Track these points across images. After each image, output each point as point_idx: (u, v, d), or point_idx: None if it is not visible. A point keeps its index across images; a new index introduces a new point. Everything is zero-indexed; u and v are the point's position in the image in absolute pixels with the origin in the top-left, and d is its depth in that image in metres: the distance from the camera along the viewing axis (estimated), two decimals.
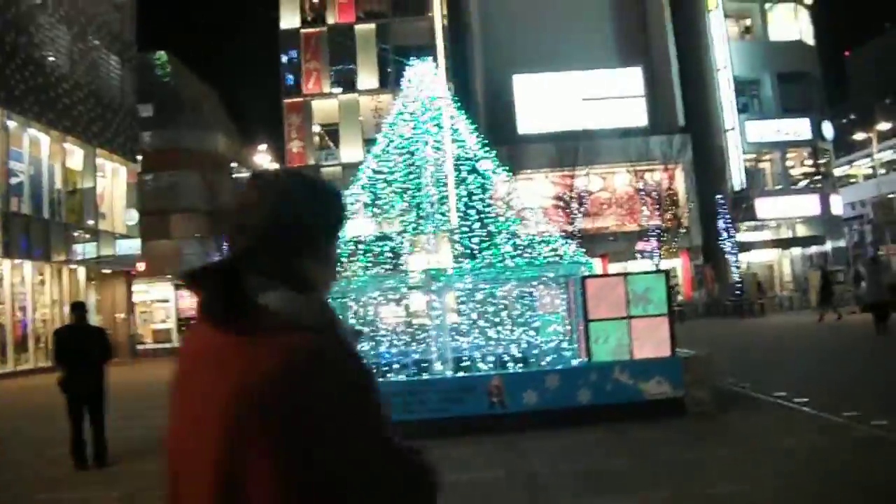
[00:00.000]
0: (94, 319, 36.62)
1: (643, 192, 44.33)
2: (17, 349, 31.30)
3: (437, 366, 13.20)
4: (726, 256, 43.77)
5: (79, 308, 12.26)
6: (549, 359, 13.11)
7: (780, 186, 47.70)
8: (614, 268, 45.58)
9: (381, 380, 12.60)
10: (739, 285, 42.71)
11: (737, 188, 45.77)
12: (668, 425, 11.63)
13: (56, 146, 34.17)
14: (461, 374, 12.61)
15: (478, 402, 12.09)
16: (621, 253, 44.28)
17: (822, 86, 50.92)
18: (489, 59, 47.07)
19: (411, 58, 17.20)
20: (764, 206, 45.98)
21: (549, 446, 11.16)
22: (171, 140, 49.94)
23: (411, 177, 16.16)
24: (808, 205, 47.41)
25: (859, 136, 46.35)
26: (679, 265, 46.16)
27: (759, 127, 46.90)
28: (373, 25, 46.25)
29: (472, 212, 16.27)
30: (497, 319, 13.93)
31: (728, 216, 43.44)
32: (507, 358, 13.07)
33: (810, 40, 50.02)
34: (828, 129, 49.53)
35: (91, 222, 36.74)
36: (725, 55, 46.36)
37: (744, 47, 47.92)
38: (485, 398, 12.08)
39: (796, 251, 47.91)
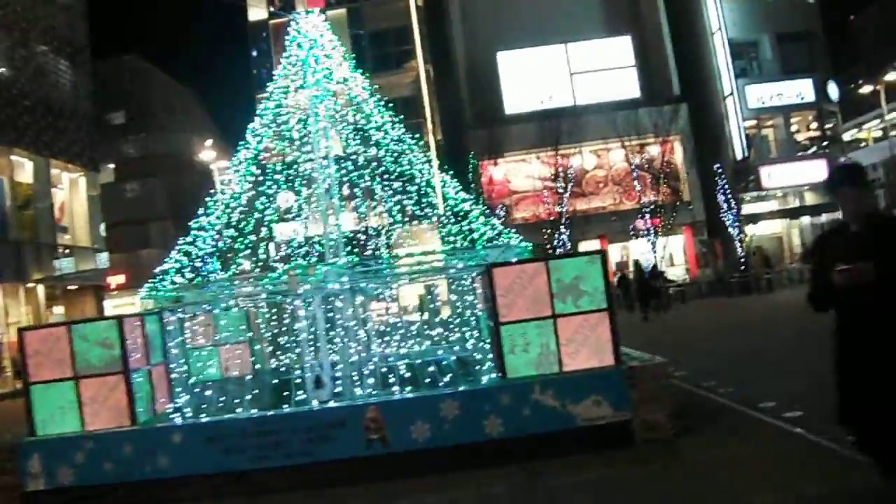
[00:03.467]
0: None
1: (639, 168, 40.57)
2: None
3: (316, 393, 9.75)
4: (729, 230, 39.86)
5: None
6: (450, 377, 9.57)
7: (785, 154, 43.73)
8: (614, 249, 42.10)
9: (226, 416, 9.27)
10: (743, 260, 38.81)
11: (738, 157, 41.86)
12: (607, 461, 8.18)
13: (1, 160, 31.08)
14: (333, 404, 9.15)
15: (352, 441, 8.71)
16: (621, 233, 40.62)
17: (825, 45, 46.76)
18: (470, 37, 43.29)
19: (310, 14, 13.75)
20: (769, 175, 42.04)
21: (437, 501, 7.79)
22: (148, 146, 46.91)
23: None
24: (816, 171, 43.22)
25: (867, 89, 42.27)
26: (682, 242, 42.42)
27: (760, 91, 42.92)
28: (344, 10, 42.58)
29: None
30: (387, 328, 10.47)
31: (728, 187, 39.52)
32: (394, 377, 9.54)
33: None
34: (833, 90, 45.44)
35: (51, 238, 33.65)
36: (719, 16, 42.34)
37: (739, 7, 43.53)
38: (361, 435, 8.67)
39: (805, 221, 43.93)
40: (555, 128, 38.90)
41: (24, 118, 31.99)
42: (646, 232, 39.03)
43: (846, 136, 57.57)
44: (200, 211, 12.02)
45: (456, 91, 42.29)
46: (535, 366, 8.96)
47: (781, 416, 9.02)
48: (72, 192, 35.83)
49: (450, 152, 40.13)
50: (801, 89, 43.64)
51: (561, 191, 39.74)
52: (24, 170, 32.54)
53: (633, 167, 40.66)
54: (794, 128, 45.26)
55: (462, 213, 11.87)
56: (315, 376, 9.86)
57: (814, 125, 45.80)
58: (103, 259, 37.67)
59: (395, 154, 13.09)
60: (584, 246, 40.79)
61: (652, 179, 40.45)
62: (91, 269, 36.19)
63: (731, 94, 42.29)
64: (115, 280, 41.10)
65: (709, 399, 10.79)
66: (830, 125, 46.23)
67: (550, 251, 38.23)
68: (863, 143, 69.64)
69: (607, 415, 8.58)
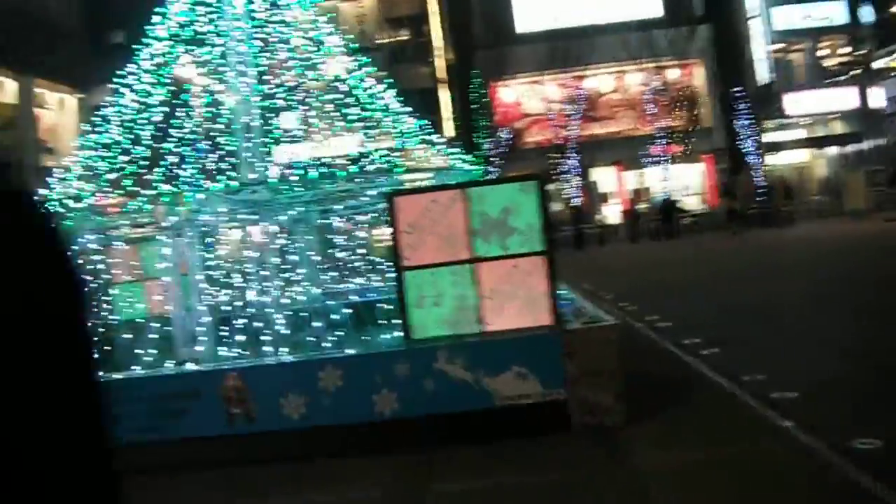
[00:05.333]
0: None
1: (659, 91, 37.62)
2: None
3: (183, 351, 7.64)
4: (748, 159, 36.94)
5: None
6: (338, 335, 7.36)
7: (812, 80, 40.46)
8: (629, 176, 39.45)
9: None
10: (763, 191, 35.96)
11: (762, 83, 38.73)
12: (525, 459, 6.01)
13: None
14: (190, 367, 7.01)
15: (209, 416, 6.62)
16: (637, 160, 37.83)
17: None
18: None
19: None
20: (794, 102, 38.93)
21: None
22: None
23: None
24: (844, 99, 40.18)
25: None
26: (701, 170, 39.60)
27: (787, 13, 39.49)
28: None
29: None
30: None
31: (749, 114, 36.46)
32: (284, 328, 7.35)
33: None
34: (866, 13, 41.87)
35: (36, 160, 31.61)
36: None
37: None
38: (220, 408, 6.57)
39: (832, 151, 40.86)
40: (568, 48, 35.93)
41: (5, 36, 29.69)
42: (660, 159, 36.31)
43: (879, 64, 53.89)
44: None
45: (465, 8, 39.27)
46: (449, 324, 6.75)
47: (768, 398, 6.75)
48: (60, 113, 33.68)
49: (458, 73, 37.50)
50: (830, 11, 40.28)
51: (570, 114, 36.96)
52: (6, 89, 30.38)
53: (648, 90, 37.75)
54: (822, 52, 41.89)
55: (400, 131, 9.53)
56: (183, 333, 7.74)
57: (844, 50, 42.39)
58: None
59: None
60: (596, 172, 38.45)
61: (669, 104, 37.48)
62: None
63: (757, 15, 39.02)
64: (106, 202, 39.20)
65: (685, 364, 8.51)
66: (863, 51, 42.75)
67: (555, 178, 35.88)
68: (894, 73, 65.56)
69: (535, 392, 6.38)
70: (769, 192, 35.66)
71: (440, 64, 38.14)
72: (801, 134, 40.69)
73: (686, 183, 38.97)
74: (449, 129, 36.55)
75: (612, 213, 38.68)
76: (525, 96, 39.91)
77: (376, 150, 10.41)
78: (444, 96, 37.39)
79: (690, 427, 6.37)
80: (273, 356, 6.90)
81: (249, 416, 6.56)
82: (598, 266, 23.07)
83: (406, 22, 39.76)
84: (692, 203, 38.50)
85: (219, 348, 7.10)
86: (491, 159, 35.78)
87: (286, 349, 7.03)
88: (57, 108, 33.42)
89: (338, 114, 11.82)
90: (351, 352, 6.72)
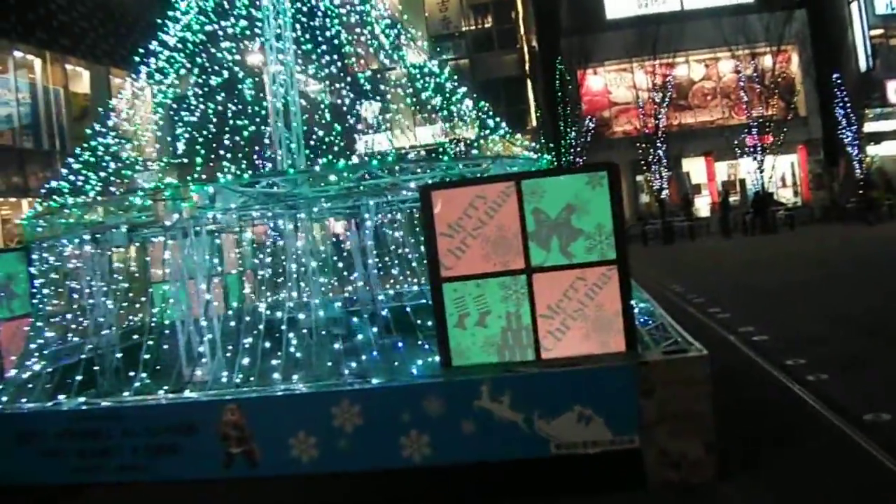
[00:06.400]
0: None
1: (753, 78, 35.38)
2: None
3: (198, 372, 6.51)
4: (847, 149, 34.40)
5: None
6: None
7: None
8: (721, 167, 37.32)
9: (44, 405, 6.17)
10: (863, 184, 33.34)
11: (862, 69, 36.10)
12: None
13: (55, 69, 28.66)
14: (188, 394, 5.83)
15: (204, 454, 5.45)
16: (730, 150, 35.62)
17: None
18: None
19: None
20: None
21: None
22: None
23: None
24: None
25: None
26: (796, 161, 37.19)
27: None
28: None
29: None
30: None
31: (849, 102, 33.91)
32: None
33: None
34: None
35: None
36: None
37: None
38: (217, 446, 5.39)
39: None
40: (657, 34, 34.00)
41: (80, 25, 29.42)
42: (754, 149, 34.11)
43: None
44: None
45: None
46: (496, 349, 5.44)
47: None
48: (140, 102, 33.43)
49: (544, 61, 35.98)
50: None
51: (660, 102, 34.99)
52: (82, 79, 30.13)
53: (741, 77, 35.58)
54: None
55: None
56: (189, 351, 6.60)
57: None
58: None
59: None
60: (687, 163, 36.52)
61: (763, 91, 35.22)
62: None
63: None
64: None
65: (789, 394, 6.97)
66: None
67: (644, 169, 34.17)
68: None
69: (603, 438, 5.01)
70: (869, 184, 33.20)
71: (526, 51, 36.81)
72: None
73: (780, 174, 36.80)
74: (533, 117, 35.27)
75: (703, 206, 36.88)
76: (613, 84, 38.26)
77: (450, 141, 9.25)
78: (530, 84, 36.11)
79: (801, 486, 4.91)
80: (280, 385, 5.66)
81: (251, 458, 5.36)
82: (687, 263, 21.40)
83: (491, 8, 38.49)
84: (788, 195, 36.34)
85: (224, 373, 5.91)
86: (576, 149, 34.33)
87: (299, 376, 5.81)
88: (131, 99, 33.07)
89: (389, 98, 10.72)
90: (374, 382, 5.44)
